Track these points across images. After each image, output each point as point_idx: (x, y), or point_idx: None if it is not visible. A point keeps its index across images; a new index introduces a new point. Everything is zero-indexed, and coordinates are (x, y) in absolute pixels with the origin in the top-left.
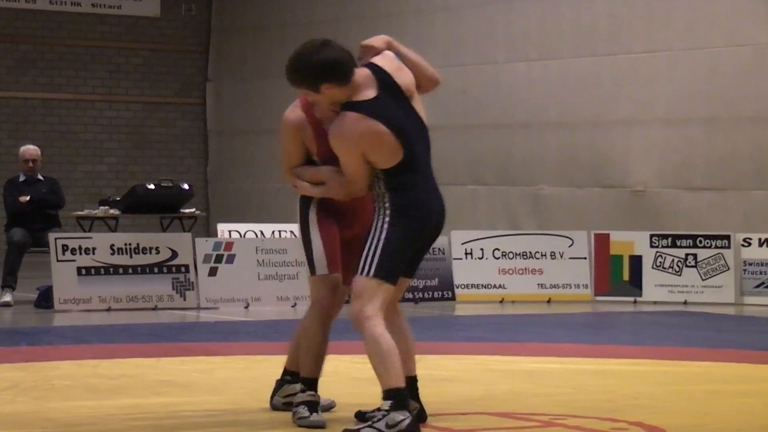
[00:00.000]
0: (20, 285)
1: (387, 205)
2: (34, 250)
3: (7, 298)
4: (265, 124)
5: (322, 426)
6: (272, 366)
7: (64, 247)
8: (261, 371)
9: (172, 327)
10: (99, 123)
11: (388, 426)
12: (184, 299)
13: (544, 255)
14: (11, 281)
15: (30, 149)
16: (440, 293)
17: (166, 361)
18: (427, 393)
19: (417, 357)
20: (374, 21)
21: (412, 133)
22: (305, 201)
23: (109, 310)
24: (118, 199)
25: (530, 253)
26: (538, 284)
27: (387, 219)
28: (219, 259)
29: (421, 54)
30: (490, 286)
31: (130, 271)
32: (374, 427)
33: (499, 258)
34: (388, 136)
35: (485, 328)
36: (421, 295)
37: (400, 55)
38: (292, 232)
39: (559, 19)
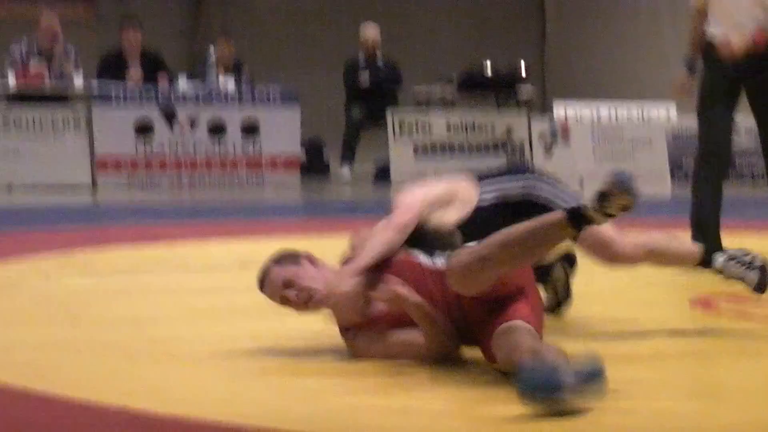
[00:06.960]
0: (358, 161)
1: None
2: (372, 128)
3: (345, 172)
4: (601, 6)
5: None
6: None
7: (401, 125)
8: None
9: None
10: (436, 4)
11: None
12: None
13: None
14: (350, 156)
15: (370, 28)
16: None
17: None
18: None
19: None
20: None
21: None
22: None
23: None
24: (454, 77)
25: None
26: None
27: None
28: (554, 137)
29: None
30: None
31: (466, 149)
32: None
33: None
34: None
35: None
36: None
37: None
38: (627, 111)
39: None
